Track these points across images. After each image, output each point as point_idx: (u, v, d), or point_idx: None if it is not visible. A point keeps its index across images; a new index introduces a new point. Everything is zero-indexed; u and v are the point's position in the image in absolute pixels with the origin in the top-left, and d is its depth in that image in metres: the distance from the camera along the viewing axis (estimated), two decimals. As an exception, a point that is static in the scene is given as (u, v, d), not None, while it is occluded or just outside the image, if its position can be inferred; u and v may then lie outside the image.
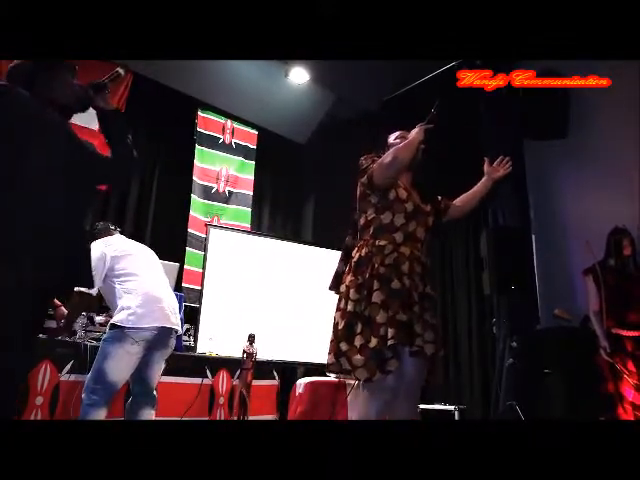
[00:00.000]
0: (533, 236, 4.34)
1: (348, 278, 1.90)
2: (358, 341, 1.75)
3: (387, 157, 1.90)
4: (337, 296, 1.95)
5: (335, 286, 2.04)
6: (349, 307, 1.83)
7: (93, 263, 2.69)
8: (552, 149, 4.31)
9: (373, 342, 1.72)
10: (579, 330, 3.62)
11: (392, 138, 2.15)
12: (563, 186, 4.30)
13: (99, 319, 3.20)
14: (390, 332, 1.71)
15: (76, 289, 2.67)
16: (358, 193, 2.03)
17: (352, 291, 1.85)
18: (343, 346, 1.79)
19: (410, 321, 1.77)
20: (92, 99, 1.73)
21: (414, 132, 1.97)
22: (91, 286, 2.42)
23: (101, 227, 2.98)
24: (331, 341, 1.86)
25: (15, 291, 1.39)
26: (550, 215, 4.37)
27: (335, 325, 1.87)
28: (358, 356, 1.74)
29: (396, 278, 1.82)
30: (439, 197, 2.16)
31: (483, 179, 2.23)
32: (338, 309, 1.89)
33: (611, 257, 3.40)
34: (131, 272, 2.75)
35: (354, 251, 1.97)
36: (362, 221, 2.00)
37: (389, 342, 1.70)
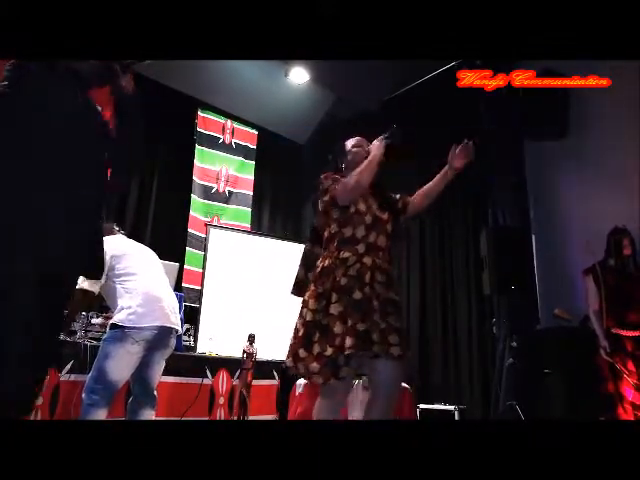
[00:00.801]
0: (533, 236, 4.34)
1: (311, 287, 1.98)
2: (315, 349, 1.85)
3: (350, 181, 1.97)
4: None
5: (296, 291, 2.16)
6: (308, 317, 1.91)
7: None
8: (552, 149, 4.31)
9: (329, 351, 1.81)
10: (579, 330, 3.62)
11: (349, 145, 2.20)
12: (563, 186, 4.30)
13: (97, 321, 3.20)
14: (348, 341, 1.78)
15: (78, 286, 2.67)
16: (320, 208, 2.09)
17: (312, 301, 1.93)
18: (301, 353, 1.88)
19: (369, 329, 1.83)
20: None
21: (374, 147, 2.05)
22: (100, 277, 2.41)
23: (103, 227, 2.97)
24: (290, 345, 1.96)
25: (24, 275, 1.38)
26: (550, 215, 4.37)
27: (295, 331, 1.96)
28: (314, 364, 1.83)
29: (357, 289, 1.88)
30: (396, 196, 2.19)
31: (445, 168, 2.15)
32: (300, 316, 1.97)
33: (611, 257, 3.40)
34: (131, 272, 2.74)
35: (319, 261, 2.04)
36: (326, 234, 2.07)
37: (347, 352, 1.77)
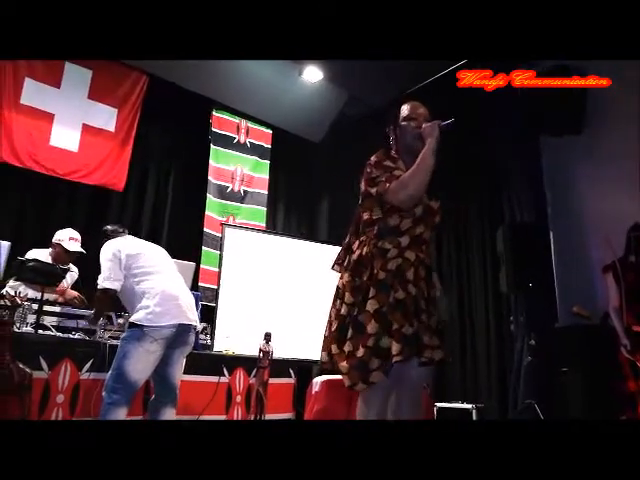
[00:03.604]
0: (551, 233, 4.29)
1: (345, 276, 1.81)
2: (347, 347, 1.70)
3: (402, 191, 1.74)
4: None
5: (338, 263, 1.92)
6: (343, 310, 1.76)
7: (107, 263, 2.72)
8: (569, 145, 4.25)
9: (360, 352, 1.66)
10: (599, 328, 3.57)
11: (402, 114, 1.93)
12: (581, 182, 4.24)
13: (120, 321, 3.24)
14: (395, 347, 1.63)
15: (100, 286, 2.71)
16: (363, 190, 1.88)
17: (347, 294, 1.77)
18: (333, 348, 1.74)
19: (417, 333, 1.69)
20: None
21: (427, 135, 1.81)
22: None
23: (111, 230, 3.01)
24: (324, 337, 1.81)
25: None
26: (568, 211, 4.31)
27: (329, 323, 1.82)
28: (344, 363, 1.68)
29: (400, 287, 1.72)
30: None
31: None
32: (333, 306, 1.82)
33: (631, 254, 3.34)
34: (147, 271, 2.77)
35: (355, 246, 1.85)
36: (366, 216, 1.85)
37: (394, 359, 1.63)
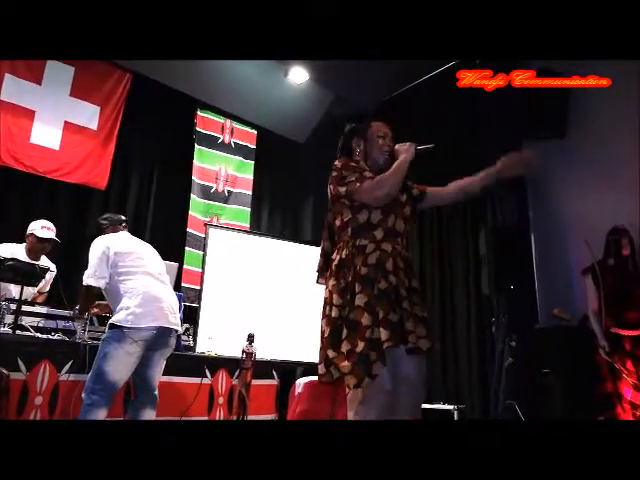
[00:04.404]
0: (532, 235, 4.34)
1: (330, 282, 1.86)
2: (344, 347, 1.71)
3: (377, 190, 1.84)
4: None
5: (321, 280, 2.00)
6: (333, 313, 1.79)
7: (94, 259, 2.69)
8: (551, 148, 4.30)
9: (360, 346, 1.67)
10: (578, 329, 3.62)
11: (373, 130, 2.04)
12: (562, 185, 4.30)
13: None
14: (384, 334, 1.67)
15: (84, 283, 2.69)
16: (331, 196, 1.96)
17: (335, 296, 1.80)
18: (330, 353, 1.75)
19: (401, 319, 1.73)
20: None
21: (404, 152, 1.92)
22: None
23: (109, 221, 2.96)
24: (320, 349, 1.82)
25: None
26: (549, 214, 4.37)
27: (322, 333, 1.83)
28: (345, 362, 1.69)
29: (382, 278, 1.77)
30: (410, 183, 2.05)
31: (491, 169, 2.00)
32: (323, 316, 1.85)
33: (610, 257, 3.40)
34: (132, 271, 2.74)
35: (334, 254, 1.91)
36: (338, 223, 1.94)
37: (385, 345, 1.66)
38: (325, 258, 2.00)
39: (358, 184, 1.86)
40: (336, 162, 1.98)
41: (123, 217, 3.11)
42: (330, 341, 1.77)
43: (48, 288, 3.60)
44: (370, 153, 2.02)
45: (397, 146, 1.99)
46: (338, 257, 1.87)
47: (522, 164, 2.01)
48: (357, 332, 1.70)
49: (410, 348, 1.74)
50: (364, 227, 1.87)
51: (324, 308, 1.86)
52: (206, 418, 3.46)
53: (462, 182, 2.04)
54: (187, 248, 5.20)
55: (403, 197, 1.97)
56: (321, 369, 1.78)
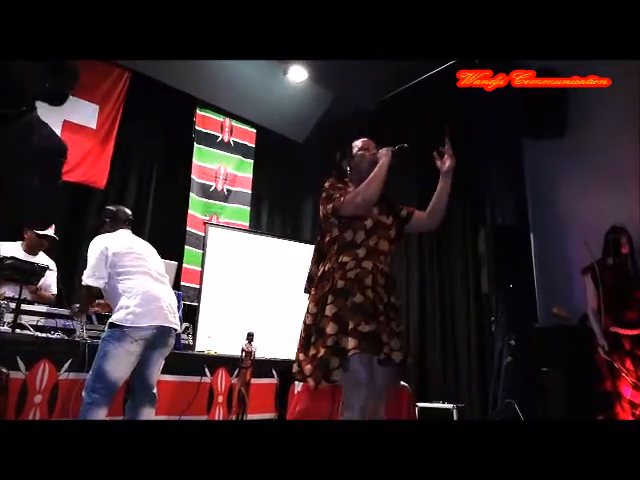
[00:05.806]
0: (531, 235, 4.35)
1: (312, 292, 2.01)
2: (311, 352, 1.86)
3: (357, 199, 1.96)
4: None
5: (308, 290, 2.13)
6: (308, 320, 1.94)
7: (93, 259, 2.70)
8: (551, 148, 4.31)
9: (321, 352, 1.81)
10: (577, 328, 3.63)
11: (356, 147, 2.18)
12: (561, 185, 4.30)
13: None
14: (351, 343, 1.77)
15: (83, 283, 2.69)
16: (321, 215, 2.10)
17: (311, 305, 1.96)
18: (301, 356, 1.91)
19: (376, 331, 1.83)
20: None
21: (382, 157, 2.03)
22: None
23: (111, 217, 2.95)
24: (296, 350, 1.98)
25: None
26: (548, 213, 4.37)
27: (299, 337, 1.98)
28: (309, 366, 1.84)
29: (359, 292, 1.88)
30: (399, 205, 2.17)
31: (445, 170, 2.11)
32: (303, 321, 2.00)
33: (609, 256, 3.40)
34: (131, 270, 2.75)
35: (320, 265, 2.06)
36: (327, 239, 2.08)
37: (351, 352, 1.76)
38: (309, 280, 2.14)
39: (342, 199, 2.00)
40: (325, 184, 2.12)
41: (129, 212, 3.06)
42: (303, 344, 1.93)
43: (55, 289, 3.59)
44: (359, 168, 2.14)
45: (378, 153, 2.11)
46: (322, 269, 2.02)
47: (447, 159, 2.10)
48: (322, 339, 1.84)
49: (382, 359, 1.84)
50: (349, 245, 1.99)
51: (305, 314, 2.01)
52: (205, 417, 3.46)
53: (430, 207, 2.13)
54: (186, 247, 5.20)
55: (389, 219, 2.09)
56: (295, 368, 1.94)
